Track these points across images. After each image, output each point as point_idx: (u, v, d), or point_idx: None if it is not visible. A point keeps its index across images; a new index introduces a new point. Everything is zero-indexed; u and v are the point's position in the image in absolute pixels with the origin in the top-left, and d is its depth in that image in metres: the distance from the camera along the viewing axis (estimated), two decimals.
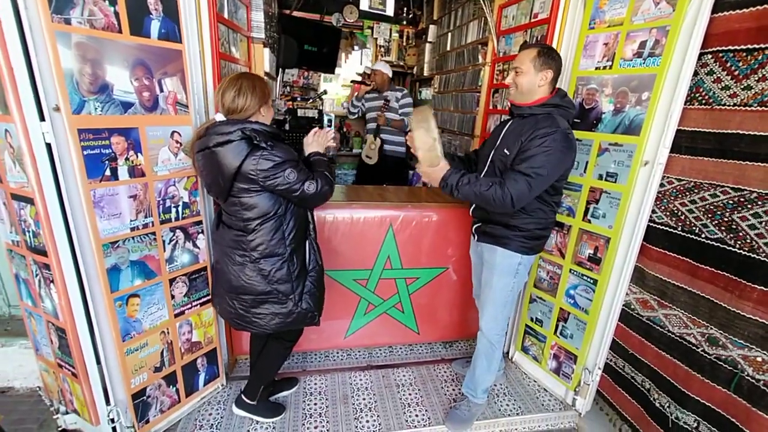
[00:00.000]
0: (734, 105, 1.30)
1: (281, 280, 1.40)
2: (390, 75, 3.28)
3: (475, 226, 1.71)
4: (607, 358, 1.80)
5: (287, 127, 3.97)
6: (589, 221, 1.72)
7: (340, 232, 1.96)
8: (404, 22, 4.71)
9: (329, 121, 4.24)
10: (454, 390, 2.00)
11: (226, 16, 1.74)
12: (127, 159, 1.31)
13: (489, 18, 2.46)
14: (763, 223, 1.21)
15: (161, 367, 1.57)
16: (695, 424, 1.41)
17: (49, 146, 1.17)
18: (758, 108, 1.23)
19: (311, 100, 4.42)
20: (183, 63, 1.41)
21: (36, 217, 1.23)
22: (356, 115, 3.44)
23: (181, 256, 1.56)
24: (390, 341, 2.30)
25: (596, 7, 1.64)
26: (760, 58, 1.23)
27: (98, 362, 1.40)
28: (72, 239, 1.26)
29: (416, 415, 1.82)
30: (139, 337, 1.46)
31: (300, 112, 4.13)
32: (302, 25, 4.07)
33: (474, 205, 1.69)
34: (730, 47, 1.31)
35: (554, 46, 1.84)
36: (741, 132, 1.28)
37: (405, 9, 4.62)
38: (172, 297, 1.56)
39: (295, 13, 4.13)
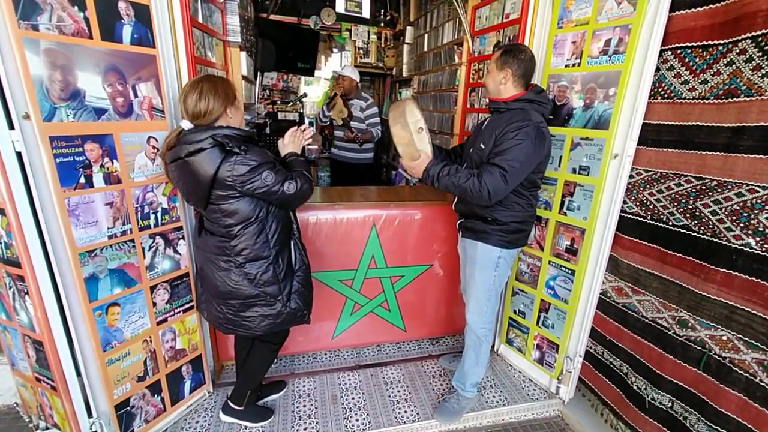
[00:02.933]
0: (693, 98, 1.37)
1: (268, 282, 1.40)
2: (357, 80, 3.17)
3: (458, 222, 1.75)
4: (587, 346, 1.86)
5: (268, 130, 3.95)
6: (565, 214, 1.78)
7: (324, 234, 1.97)
8: (382, 24, 4.74)
9: (310, 123, 4.24)
10: (442, 385, 2.03)
11: (200, 20, 1.73)
12: (102, 166, 1.29)
13: (463, 19, 2.51)
14: (723, 209, 1.28)
15: (145, 376, 1.54)
16: (669, 404, 1.48)
17: (19, 155, 1.15)
18: (714, 101, 1.30)
19: (291, 103, 4.41)
20: (157, 68, 1.40)
21: (8, 227, 1.20)
22: (328, 123, 3.34)
23: (162, 263, 1.54)
24: (377, 340, 2.31)
25: (563, 7, 1.70)
26: (714, 53, 1.31)
27: (78, 374, 1.37)
28: (47, 249, 1.23)
29: (405, 411, 1.84)
30: (120, 346, 1.44)
31: (281, 116, 4.12)
32: (280, 29, 4.06)
33: (456, 201, 1.73)
34: (688, 44, 1.38)
35: (526, 45, 1.90)
36: (700, 123, 1.35)
37: (382, 11, 4.66)
38: (154, 304, 1.54)
39: (272, 17, 4.11)
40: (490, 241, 1.59)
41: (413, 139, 1.50)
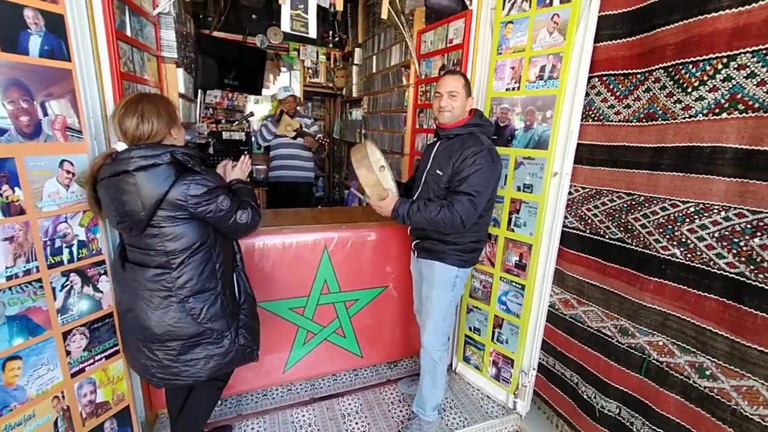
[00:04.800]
0: (619, 121, 1.49)
1: (215, 316, 1.26)
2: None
3: (413, 243, 1.73)
4: (540, 358, 1.90)
5: (211, 150, 3.75)
6: (513, 230, 1.84)
7: (272, 260, 1.85)
8: (330, 45, 4.77)
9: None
10: (402, 412, 1.96)
11: (128, 33, 1.59)
12: None
13: (409, 43, 2.58)
14: (651, 222, 1.38)
15: None
16: (617, 411, 1.53)
17: None
18: (637, 123, 1.42)
19: (237, 122, 4.23)
20: (73, 83, 1.25)
21: None
22: (270, 140, 3.30)
23: (77, 304, 1.33)
24: (333, 369, 2.19)
25: (502, 34, 1.80)
26: (634, 81, 1.44)
27: None
28: None
29: None
30: (22, 407, 1.20)
31: (225, 135, 3.93)
32: (224, 46, 3.93)
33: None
34: (611, 71, 1.51)
35: (469, 69, 1.99)
36: (626, 144, 1.46)
37: (331, 32, 4.69)
38: (68, 353, 1.32)
39: (216, 34, 3.97)
40: (448, 260, 1.59)
41: (379, 179, 1.51)
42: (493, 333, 2.00)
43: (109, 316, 1.44)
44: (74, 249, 1.31)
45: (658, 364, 1.38)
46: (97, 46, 1.37)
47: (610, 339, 1.55)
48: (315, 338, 2.05)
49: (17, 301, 1.17)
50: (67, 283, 1.30)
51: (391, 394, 2.08)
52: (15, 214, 1.14)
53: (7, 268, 1.13)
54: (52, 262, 1.25)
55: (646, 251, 1.40)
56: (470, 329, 2.11)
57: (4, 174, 1.11)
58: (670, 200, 1.32)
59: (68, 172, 1.26)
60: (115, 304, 1.41)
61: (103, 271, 1.40)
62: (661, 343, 1.37)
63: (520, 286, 1.85)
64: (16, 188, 1.13)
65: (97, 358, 1.41)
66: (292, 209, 2.42)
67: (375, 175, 1.50)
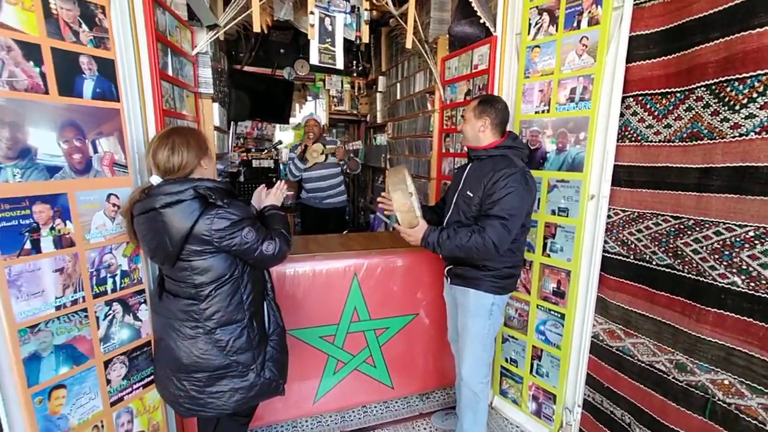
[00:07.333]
0: (659, 141, 1.42)
1: (241, 349, 1.27)
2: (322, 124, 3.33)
3: (447, 269, 1.69)
4: (585, 394, 1.77)
5: (242, 178, 3.88)
6: (549, 255, 1.76)
7: (302, 287, 1.85)
8: (355, 74, 4.93)
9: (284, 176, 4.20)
10: None
11: (170, 73, 1.70)
12: (52, 229, 1.16)
13: (434, 70, 2.62)
14: (704, 247, 1.28)
15: None
16: None
17: None
18: (680, 143, 1.36)
19: (266, 151, 4.39)
20: (121, 122, 1.33)
21: None
22: (300, 177, 3.29)
23: (119, 333, 1.37)
24: (363, 400, 2.13)
25: (529, 59, 1.79)
26: (672, 100, 1.38)
27: None
28: None
29: None
30: None
31: (255, 163, 4.07)
32: (254, 80, 4.13)
33: None
34: (647, 91, 1.46)
35: (495, 93, 1.98)
36: (670, 165, 1.39)
37: (354, 62, 4.86)
38: (108, 382, 1.34)
39: (246, 68, 4.19)
40: (483, 287, 1.54)
41: (413, 206, 1.49)
42: (532, 365, 1.89)
43: (147, 345, 1.46)
44: (117, 279, 1.35)
45: (725, 406, 1.25)
46: (143, 86, 1.46)
47: (665, 375, 1.42)
48: (345, 367, 2.01)
49: (64, 330, 1.21)
50: (110, 312, 1.34)
51: (424, 429, 1.98)
52: (66, 246, 1.20)
53: (56, 298, 1.18)
54: (97, 291, 1.29)
55: (700, 279, 1.30)
56: (506, 360, 2.01)
57: (57, 209, 1.17)
58: (724, 224, 1.23)
59: (114, 205, 1.32)
60: (153, 332, 1.44)
61: (143, 300, 1.44)
62: (726, 382, 1.24)
63: (559, 315, 1.75)
64: (67, 221, 1.20)
65: (135, 386, 1.43)
66: (322, 236, 2.44)
67: (410, 202, 1.48)
